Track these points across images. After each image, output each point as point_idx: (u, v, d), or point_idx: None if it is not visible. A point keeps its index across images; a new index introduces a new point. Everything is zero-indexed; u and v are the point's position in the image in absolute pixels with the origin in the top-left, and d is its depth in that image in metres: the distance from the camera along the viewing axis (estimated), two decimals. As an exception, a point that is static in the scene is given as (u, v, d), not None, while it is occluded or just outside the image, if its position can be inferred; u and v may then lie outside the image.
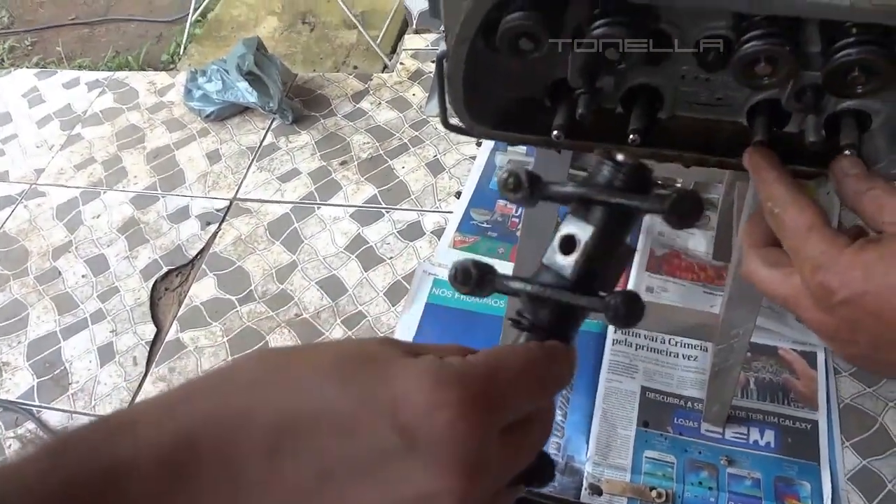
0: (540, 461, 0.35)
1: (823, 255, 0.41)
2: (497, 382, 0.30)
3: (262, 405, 0.29)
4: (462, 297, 1.37)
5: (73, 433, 0.27)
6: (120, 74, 2.08)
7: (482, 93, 0.59)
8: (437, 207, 1.56)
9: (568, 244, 0.35)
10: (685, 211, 0.34)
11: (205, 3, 2.29)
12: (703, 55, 0.51)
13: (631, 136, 0.54)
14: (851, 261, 0.40)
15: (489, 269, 0.36)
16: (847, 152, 0.48)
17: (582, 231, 0.34)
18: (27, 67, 2.21)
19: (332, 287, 1.45)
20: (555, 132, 0.55)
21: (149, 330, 1.44)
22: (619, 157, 0.35)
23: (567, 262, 0.34)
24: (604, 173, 0.35)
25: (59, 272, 1.57)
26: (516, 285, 0.35)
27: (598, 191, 0.34)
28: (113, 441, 0.27)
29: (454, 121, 0.60)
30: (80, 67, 2.20)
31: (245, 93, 1.75)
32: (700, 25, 0.50)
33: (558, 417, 1.21)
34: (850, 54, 0.45)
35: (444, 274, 1.42)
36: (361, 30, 2.00)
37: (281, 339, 1.39)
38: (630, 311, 0.33)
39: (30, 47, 2.38)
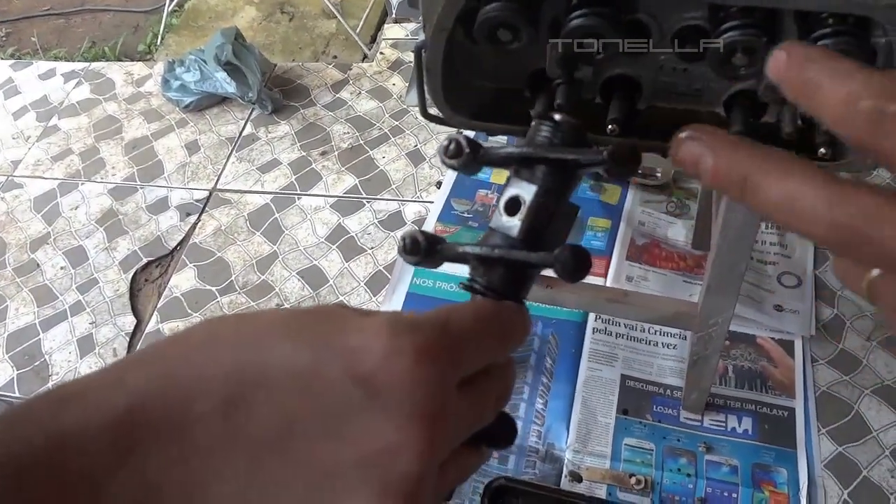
0: (501, 422, 0.35)
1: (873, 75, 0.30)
2: (451, 332, 0.30)
3: (214, 365, 0.28)
4: (443, 285, 1.37)
5: (20, 406, 0.26)
6: (96, 65, 2.05)
7: (461, 83, 0.59)
8: (418, 197, 1.55)
9: (513, 205, 0.35)
10: (622, 159, 0.34)
11: (182, -7, 2.27)
12: (680, 46, 0.52)
13: (610, 127, 0.55)
14: None
15: (439, 240, 0.36)
16: (822, 150, 0.49)
17: (525, 191, 0.35)
18: (2, 58, 2.18)
19: (313, 277, 1.44)
20: (533, 122, 0.55)
21: (129, 321, 1.42)
22: (557, 117, 0.35)
23: (513, 223, 0.35)
24: (543, 133, 0.35)
25: (38, 264, 1.56)
26: (465, 249, 0.35)
27: (537, 149, 0.35)
28: (61, 412, 0.26)
29: (433, 111, 0.60)
30: (55, 58, 2.17)
31: (223, 83, 1.74)
32: (677, 16, 0.51)
33: (538, 405, 1.22)
34: (825, 45, 0.45)
35: (425, 264, 1.42)
36: (340, 19, 1.99)
37: (262, 330, 1.38)
38: (578, 264, 0.33)
39: (4, 38, 2.34)
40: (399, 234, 1.49)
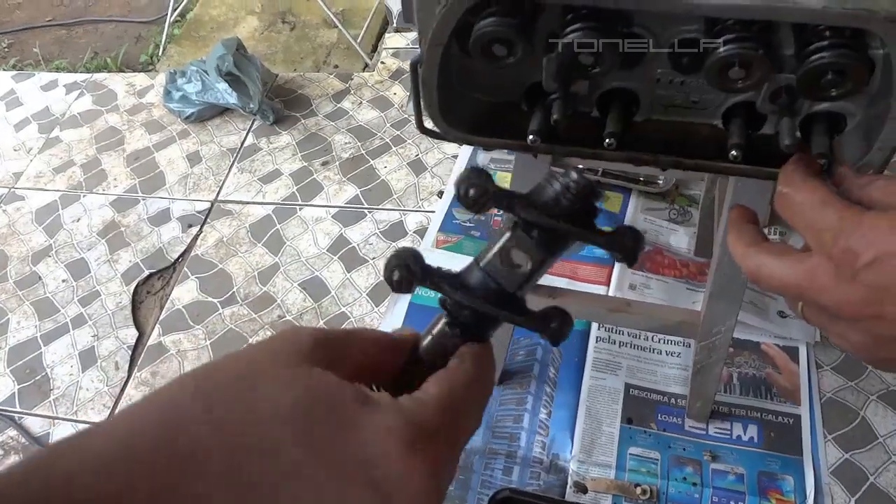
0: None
1: (843, 220, 0.38)
2: (453, 427, 0.32)
3: (217, 472, 0.26)
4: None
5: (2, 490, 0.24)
6: (98, 76, 2.05)
7: (457, 97, 0.58)
8: (420, 207, 1.55)
9: (508, 260, 0.35)
10: (626, 249, 0.35)
11: (184, 3, 2.27)
12: (677, 58, 0.51)
13: (607, 140, 0.54)
14: (875, 222, 0.37)
15: (427, 272, 0.36)
16: (820, 161, 0.48)
17: (523, 255, 0.35)
18: (4, 70, 2.19)
19: (315, 288, 1.44)
20: (530, 137, 0.55)
21: (130, 334, 1.42)
22: (572, 177, 0.34)
23: (508, 276, 0.35)
24: (552, 191, 0.35)
25: (39, 277, 1.56)
26: (459, 298, 0.35)
27: (541, 217, 0.34)
28: None
29: (430, 125, 0.60)
30: (57, 69, 2.17)
31: (225, 94, 1.74)
32: (673, 29, 0.50)
33: (542, 415, 1.22)
34: (823, 57, 0.45)
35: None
36: (341, 29, 1.99)
37: (264, 341, 1.38)
38: (564, 331, 0.35)
39: (6, 49, 2.35)
40: (400, 243, 1.49)
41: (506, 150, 1.53)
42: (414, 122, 0.59)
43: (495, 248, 0.35)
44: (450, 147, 1.63)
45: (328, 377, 0.30)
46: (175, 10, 2.17)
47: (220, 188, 1.68)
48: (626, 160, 0.56)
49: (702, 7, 0.44)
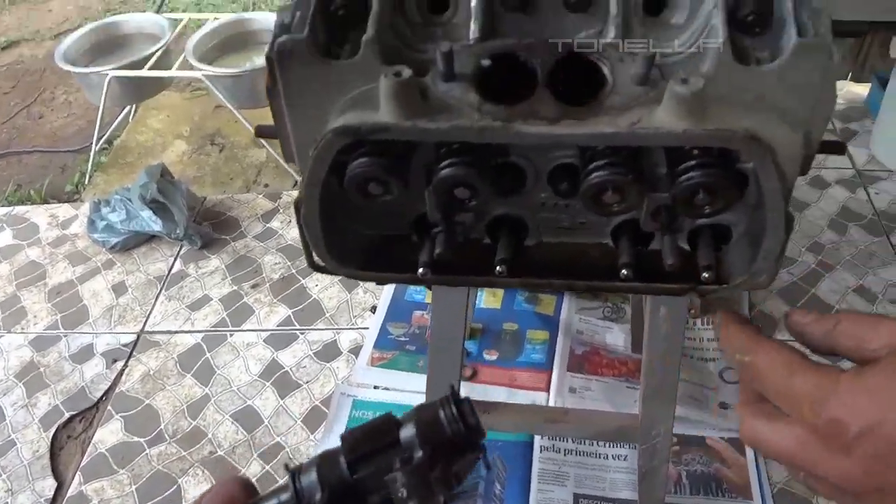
0: None
1: (818, 388, 0.35)
2: None
3: None
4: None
5: None
6: (20, 209, 2.01)
7: (345, 233, 0.57)
8: (353, 324, 1.52)
9: None
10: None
11: (110, 131, 2.27)
12: (556, 184, 0.51)
13: (498, 268, 0.53)
14: (853, 387, 0.34)
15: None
16: (705, 274, 0.47)
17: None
18: (-78, 210, 2.13)
19: (248, 419, 1.38)
20: (420, 269, 0.53)
21: (48, 485, 1.33)
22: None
23: None
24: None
25: (-49, 430, 1.46)
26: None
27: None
28: None
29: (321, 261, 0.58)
30: (-22, 205, 2.12)
31: (149, 221, 1.71)
32: (549, 156, 0.50)
33: (490, 538, 1.16)
34: (692, 178, 0.45)
35: (363, 395, 1.37)
36: (269, 148, 2.00)
37: (195, 480, 1.30)
38: None
39: (-74, 188, 2.30)
40: (334, 364, 1.44)
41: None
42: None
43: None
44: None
45: None
46: (100, 138, 2.17)
47: (147, 318, 1.62)
48: (521, 286, 0.54)
49: (568, 137, 0.44)
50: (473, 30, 0.49)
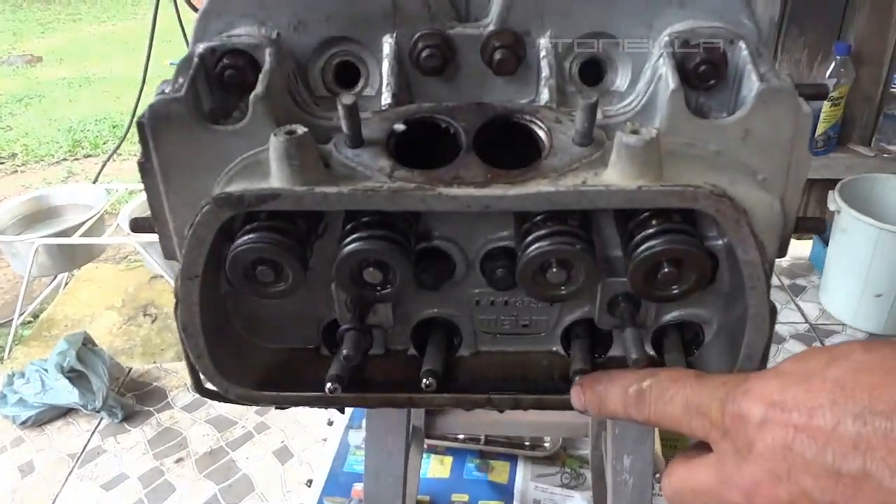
0: None
1: (726, 384, 0.34)
2: None
3: None
4: None
5: None
6: (-74, 388, 1.82)
7: (237, 345, 0.46)
8: (286, 500, 1.34)
9: None
10: None
11: (35, 304, 2.14)
12: (490, 272, 0.42)
13: (425, 381, 0.43)
14: (763, 374, 0.33)
15: None
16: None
17: None
18: None
19: None
20: (329, 385, 0.42)
21: None
22: None
23: None
24: None
25: None
26: None
27: None
28: None
29: (210, 384, 0.47)
30: None
31: (65, 392, 1.55)
32: (479, 238, 0.42)
33: None
34: (652, 246, 0.37)
35: (292, 584, 1.17)
36: (206, 314, 1.89)
37: None
38: None
39: None
40: (262, 548, 1.25)
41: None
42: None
43: None
44: (319, 429, 1.47)
45: None
46: (23, 312, 2.04)
47: (54, 502, 1.42)
48: (453, 403, 0.44)
49: (498, 200, 0.36)
50: (385, 96, 0.42)
